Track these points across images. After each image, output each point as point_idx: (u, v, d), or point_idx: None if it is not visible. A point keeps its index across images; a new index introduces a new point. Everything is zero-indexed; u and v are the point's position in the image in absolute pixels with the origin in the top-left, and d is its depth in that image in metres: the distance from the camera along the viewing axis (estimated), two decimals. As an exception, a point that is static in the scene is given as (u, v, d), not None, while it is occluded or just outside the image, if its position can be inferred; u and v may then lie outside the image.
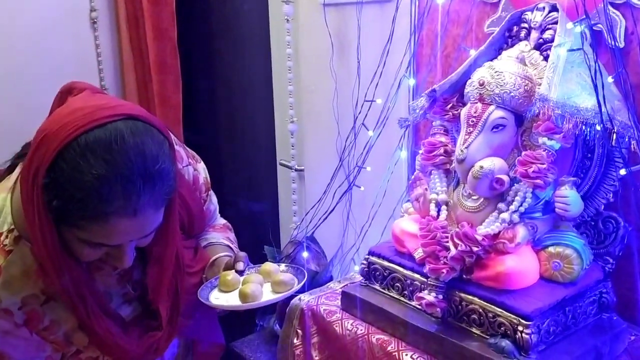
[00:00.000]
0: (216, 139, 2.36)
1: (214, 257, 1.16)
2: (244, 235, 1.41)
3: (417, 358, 1.06)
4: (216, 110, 2.34)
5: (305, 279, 1.07)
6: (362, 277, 1.23)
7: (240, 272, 1.09)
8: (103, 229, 0.80)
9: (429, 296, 1.04)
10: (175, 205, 0.95)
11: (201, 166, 1.19)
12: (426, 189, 1.14)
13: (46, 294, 0.90)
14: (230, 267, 1.11)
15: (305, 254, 1.41)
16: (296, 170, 1.88)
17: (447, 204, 1.11)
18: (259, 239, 1.71)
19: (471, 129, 1.04)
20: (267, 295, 1.05)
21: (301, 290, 1.20)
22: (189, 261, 1.11)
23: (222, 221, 1.31)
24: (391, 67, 1.38)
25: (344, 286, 1.26)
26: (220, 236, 1.25)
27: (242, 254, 1.12)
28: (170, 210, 0.92)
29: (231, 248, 1.22)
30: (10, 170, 0.96)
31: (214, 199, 1.26)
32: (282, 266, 1.15)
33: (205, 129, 2.36)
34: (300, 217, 1.79)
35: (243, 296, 1.02)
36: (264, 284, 1.07)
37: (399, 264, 1.14)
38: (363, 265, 1.22)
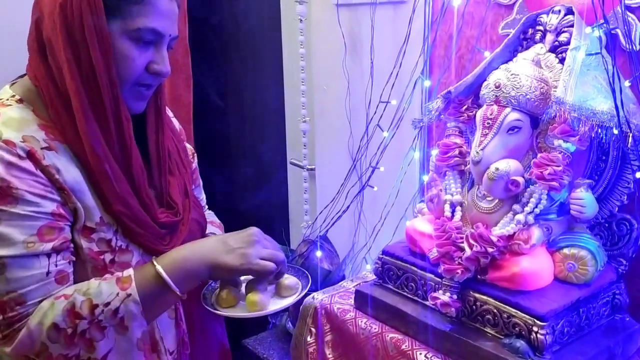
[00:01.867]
0: (227, 138, 2.38)
1: None
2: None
3: (431, 357, 1.07)
4: (227, 109, 2.35)
5: (309, 282, 1.06)
6: (374, 276, 1.24)
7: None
8: (152, 8, 0.91)
9: (443, 296, 1.05)
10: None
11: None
12: (441, 190, 1.15)
13: (48, 144, 0.90)
14: None
15: (318, 253, 1.42)
16: (307, 169, 1.89)
17: (461, 204, 1.12)
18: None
19: (487, 130, 1.05)
20: (274, 302, 1.05)
21: (311, 291, 1.22)
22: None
23: (217, 220, 1.33)
24: (405, 68, 1.39)
25: (357, 285, 1.27)
26: (214, 228, 1.27)
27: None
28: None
29: None
30: None
31: (200, 178, 1.29)
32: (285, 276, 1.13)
33: (216, 128, 2.37)
34: (311, 216, 1.80)
35: (251, 304, 1.01)
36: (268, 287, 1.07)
37: (413, 264, 1.15)
38: (377, 265, 1.23)
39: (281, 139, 2.08)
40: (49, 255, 0.88)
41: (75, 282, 0.94)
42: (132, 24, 0.91)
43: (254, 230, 1.01)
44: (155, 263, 0.94)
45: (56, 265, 0.89)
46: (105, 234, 0.94)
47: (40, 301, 0.88)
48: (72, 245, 0.93)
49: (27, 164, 0.86)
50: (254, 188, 2.32)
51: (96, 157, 0.92)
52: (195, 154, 1.27)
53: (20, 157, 0.86)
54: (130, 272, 0.93)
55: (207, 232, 1.22)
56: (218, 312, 1.00)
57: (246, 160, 2.33)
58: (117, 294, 0.90)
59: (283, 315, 1.55)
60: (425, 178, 1.31)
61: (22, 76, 1.00)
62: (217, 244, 0.99)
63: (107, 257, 0.95)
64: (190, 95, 2.13)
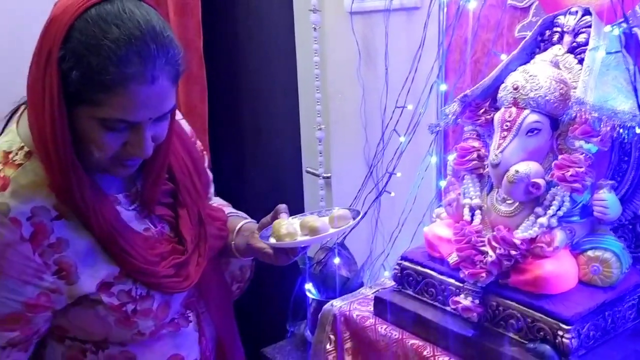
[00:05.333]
0: (241, 147, 2.39)
1: (239, 225, 1.14)
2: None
3: (453, 363, 1.06)
4: (242, 119, 2.37)
5: (360, 215, 1.08)
6: (393, 283, 1.23)
7: None
8: (123, 99, 0.79)
9: (465, 300, 1.04)
10: (175, 107, 0.94)
11: None
12: (459, 194, 1.14)
13: (59, 210, 0.86)
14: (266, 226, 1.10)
15: (336, 260, 1.41)
16: (323, 177, 1.88)
17: (480, 208, 1.11)
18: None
19: (505, 133, 1.04)
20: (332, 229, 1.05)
21: (329, 298, 1.20)
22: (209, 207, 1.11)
23: (223, 201, 1.29)
24: (420, 74, 1.38)
25: (375, 292, 1.26)
26: (232, 209, 1.24)
27: (283, 205, 1.09)
28: (172, 113, 0.92)
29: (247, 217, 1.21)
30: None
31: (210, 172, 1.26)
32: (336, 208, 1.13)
33: (230, 137, 2.38)
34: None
35: (312, 230, 1.01)
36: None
37: (432, 269, 1.14)
38: (395, 271, 1.22)
39: (296, 148, 2.08)
40: (3, 348, 0.87)
41: (99, 335, 0.94)
42: (98, 112, 0.80)
43: None
44: None
45: (7, 358, 0.88)
46: (124, 285, 0.93)
47: None
48: (34, 337, 0.90)
49: (26, 248, 0.83)
50: (269, 197, 2.32)
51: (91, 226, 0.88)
52: (205, 152, 1.21)
53: (22, 238, 0.82)
54: None
55: (227, 212, 1.19)
56: (285, 245, 1.00)
57: (261, 170, 2.34)
58: None
59: (301, 323, 1.55)
60: (443, 184, 1.31)
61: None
62: None
63: (129, 307, 0.93)
64: (205, 106, 2.15)
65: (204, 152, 1.23)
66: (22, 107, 0.93)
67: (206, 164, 1.21)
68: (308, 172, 2.02)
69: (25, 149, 0.87)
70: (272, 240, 1.04)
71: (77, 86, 0.79)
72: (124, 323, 0.93)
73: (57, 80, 0.79)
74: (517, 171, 1.00)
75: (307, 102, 1.93)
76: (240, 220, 1.16)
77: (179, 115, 1.14)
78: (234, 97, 2.35)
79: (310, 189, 2.06)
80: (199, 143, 1.21)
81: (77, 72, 0.78)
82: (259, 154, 2.33)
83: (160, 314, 0.98)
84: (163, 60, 0.81)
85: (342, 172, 1.83)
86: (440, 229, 1.16)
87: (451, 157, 1.19)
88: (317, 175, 1.91)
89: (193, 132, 1.19)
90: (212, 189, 1.28)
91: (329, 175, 1.89)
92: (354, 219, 1.06)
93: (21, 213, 0.83)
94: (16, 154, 0.87)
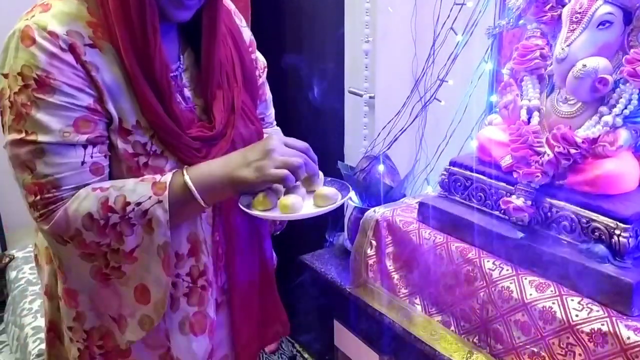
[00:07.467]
0: (281, 66, 2.34)
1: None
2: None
3: (499, 264, 1.04)
4: (283, 34, 2.32)
5: (349, 194, 0.99)
6: (439, 190, 1.21)
7: None
8: None
9: (517, 200, 1.01)
10: None
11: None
12: (517, 95, 1.09)
13: (93, 41, 0.90)
14: None
15: (381, 167, 1.39)
16: (369, 97, 1.84)
17: (539, 111, 1.07)
18: (324, 167, 1.69)
19: (574, 25, 0.98)
20: (308, 208, 0.98)
21: (371, 205, 1.17)
22: (249, 107, 1.10)
23: (278, 129, 1.29)
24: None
25: (419, 200, 1.24)
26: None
27: None
28: None
29: None
30: None
31: (269, 93, 1.24)
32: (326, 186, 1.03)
33: (270, 55, 2.34)
34: (370, 140, 1.77)
35: (283, 207, 0.96)
36: (305, 197, 1.00)
37: (482, 173, 1.11)
38: (443, 176, 1.20)
39: (340, 67, 2.03)
40: (84, 146, 0.91)
41: (111, 179, 0.96)
42: None
43: (269, 139, 0.95)
44: (184, 172, 0.94)
45: (91, 157, 0.92)
46: (141, 137, 0.95)
47: (76, 188, 0.91)
48: (107, 141, 0.94)
49: (69, 57, 0.88)
50: (309, 119, 2.29)
51: (128, 62, 0.91)
52: (266, 68, 1.21)
53: (62, 49, 0.87)
54: (167, 178, 0.93)
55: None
56: (249, 211, 0.96)
57: (301, 89, 2.29)
58: (150, 197, 0.91)
59: (340, 234, 1.55)
60: (494, 98, 1.26)
61: None
62: (238, 158, 0.95)
63: (142, 159, 0.95)
64: (248, 22, 2.11)
65: (265, 67, 1.20)
66: None
67: (259, 75, 1.18)
68: (351, 92, 1.97)
69: None
70: (250, 201, 0.98)
71: None
72: (134, 172, 0.96)
73: None
74: (584, 65, 0.95)
75: (353, 15, 1.86)
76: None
77: (243, 23, 1.16)
78: (276, 11, 2.29)
79: (351, 109, 2.02)
80: (260, 57, 1.19)
81: None
82: (300, 74, 2.28)
83: None
84: None
85: (387, 90, 1.78)
86: (494, 132, 1.12)
87: (506, 69, 1.14)
88: (361, 95, 1.86)
89: (253, 43, 1.18)
90: (270, 112, 1.26)
91: (373, 95, 1.84)
92: (344, 196, 0.99)
93: (59, 28, 0.88)
94: None
